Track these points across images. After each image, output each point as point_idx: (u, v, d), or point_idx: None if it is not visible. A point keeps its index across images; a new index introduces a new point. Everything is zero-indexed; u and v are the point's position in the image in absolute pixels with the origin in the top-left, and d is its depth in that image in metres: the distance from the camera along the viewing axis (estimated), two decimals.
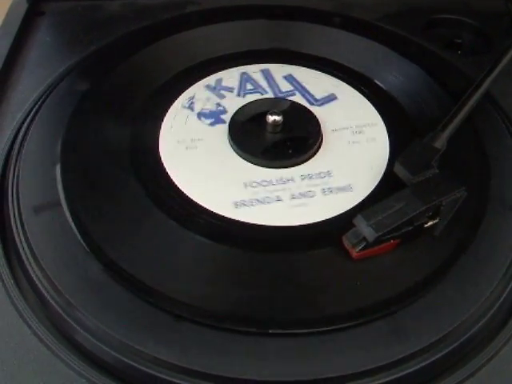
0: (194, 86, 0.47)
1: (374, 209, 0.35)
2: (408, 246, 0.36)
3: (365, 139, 0.43)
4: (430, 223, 0.36)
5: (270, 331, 0.32)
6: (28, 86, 0.47)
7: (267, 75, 0.48)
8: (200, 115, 0.45)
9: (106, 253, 0.35)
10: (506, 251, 0.36)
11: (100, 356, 0.32)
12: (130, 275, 0.34)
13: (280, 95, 0.46)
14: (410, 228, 0.35)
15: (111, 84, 0.47)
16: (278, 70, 0.48)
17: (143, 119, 0.44)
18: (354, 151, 0.42)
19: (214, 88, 0.47)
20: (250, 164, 0.41)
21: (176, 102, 0.46)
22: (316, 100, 0.45)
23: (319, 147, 0.42)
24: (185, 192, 0.39)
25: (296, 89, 0.46)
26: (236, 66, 0.48)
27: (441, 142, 0.39)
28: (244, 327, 0.32)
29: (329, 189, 0.39)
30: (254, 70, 0.48)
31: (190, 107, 0.45)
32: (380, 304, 0.34)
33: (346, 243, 0.35)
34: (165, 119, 0.44)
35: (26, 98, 0.46)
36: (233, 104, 0.45)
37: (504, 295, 0.35)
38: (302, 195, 0.39)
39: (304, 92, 0.46)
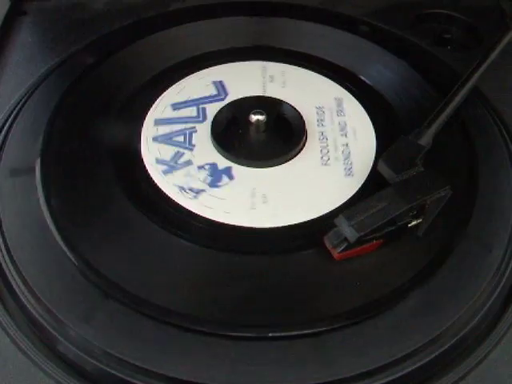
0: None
1: (356, 208, 0.34)
2: (392, 246, 0.35)
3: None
4: (413, 223, 0.35)
5: (270, 334, 0.32)
6: (9, 88, 0.46)
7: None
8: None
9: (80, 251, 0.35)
10: (495, 251, 0.35)
11: (80, 364, 0.32)
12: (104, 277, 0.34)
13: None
14: (393, 228, 0.34)
15: (93, 84, 0.46)
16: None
17: (125, 118, 0.43)
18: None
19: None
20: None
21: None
22: None
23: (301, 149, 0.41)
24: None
25: None
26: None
27: (426, 139, 0.38)
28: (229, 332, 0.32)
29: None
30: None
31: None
32: (364, 307, 0.33)
33: (328, 243, 0.34)
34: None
35: (6, 100, 0.45)
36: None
37: (493, 297, 0.34)
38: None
39: None
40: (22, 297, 0.34)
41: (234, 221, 0.37)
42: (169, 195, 0.38)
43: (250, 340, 0.32)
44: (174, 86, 0.45)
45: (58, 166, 0.40)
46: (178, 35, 0.50)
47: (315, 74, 0.47)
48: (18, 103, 0.45)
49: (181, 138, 0.42)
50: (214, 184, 0.39)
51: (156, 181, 0.39)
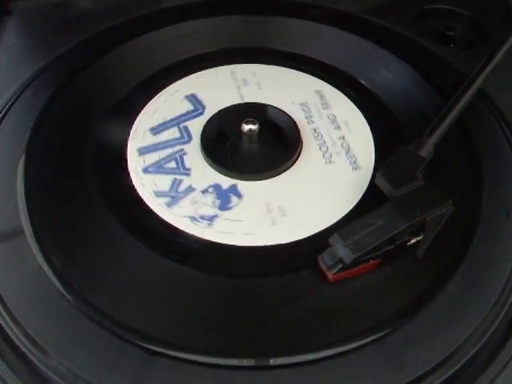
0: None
1: (352, 227, 0.32)
2: (390, 266, 0.33)
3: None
4: (413, 241, 0.33)
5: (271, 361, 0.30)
6: None
7: None
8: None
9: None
10: (501, 268, 0.34)
11: None
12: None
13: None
14: (392, 247, 0.32)
15: (80, 87, 0.44)
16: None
17: (106, 152, 0.40)
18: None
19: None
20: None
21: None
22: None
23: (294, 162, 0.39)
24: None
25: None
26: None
27: (427, 150, 0.36)
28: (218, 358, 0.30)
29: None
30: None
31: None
32: (365, 331, 0.31)
33: (322, 264, 0.33)
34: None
35: None
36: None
37: (498, 320, 0.32)
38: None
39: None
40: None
41: (259, 241, 0.35)
42: (182, 229, 0.36)
43: None
44: (145, 108, 0.42)
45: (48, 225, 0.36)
46: (133, 49, 0.46)
47: (288, 69, 0.45)
48: (1, 110, 0.43)
49: (173, 164, 0.39)
50: (224, 207, 0.37)
51: (162, 216, 0.36)
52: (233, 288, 0.33)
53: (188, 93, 0.43)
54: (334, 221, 0.36)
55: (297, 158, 0.39)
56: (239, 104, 0.42)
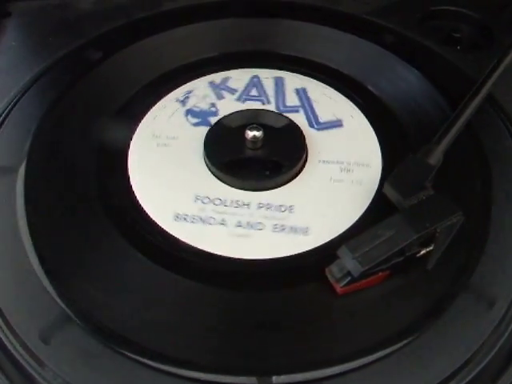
0: (198, 79, 0.43)
1: (361, 238, 0.32)
2: (399, 278, 0.32)
3: (350, 180, 0.38)
4: (422, 252, 0.32)
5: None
6: None
7: (279, 84, 0.43)
8: (188, 112, 0.41)
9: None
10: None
11: None
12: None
13: (282, 109, 0.41)
14: (401, 259, 0.32)
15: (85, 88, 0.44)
16: (293, 81, 0.43)
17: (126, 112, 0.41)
18: (332, 191, 0.37)
19: (217, 86, 0.43)
20: (212, 177, 0.38)
21: (172, 93, 0.42)
22: (318, 123, 0.41)
23: (294, 176, 0.38)
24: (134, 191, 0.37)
25: (302, 106, 0.41)
26: (249, 67, 0.44)
27: (436, 157, 0.35)
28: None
29: (281, 226, 0.35)
30: (267, 76, 0.43)
31: (183, 102, 0.42)
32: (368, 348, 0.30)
33: (330, 277, 0.32)
34: (152, 109, 0.41)
35: None
36: (228, 107, 0.41)
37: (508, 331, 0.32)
38: (250, 225, 0.35)
39: (309, 111, 0.41)
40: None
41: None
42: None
43: None
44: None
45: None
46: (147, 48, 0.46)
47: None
48: (1, 115, 0.42)
49: None
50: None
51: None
52: (234, 301, 0.32)
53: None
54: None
55: (300, 170, 0.38)
56: (236, 112, 0.41)
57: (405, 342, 0.30)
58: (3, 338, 0.31)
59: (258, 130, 0.38)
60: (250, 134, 0.38)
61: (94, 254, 0.34)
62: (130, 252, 0.34)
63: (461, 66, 0.45)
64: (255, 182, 0.37)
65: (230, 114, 0.40)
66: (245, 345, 0.31)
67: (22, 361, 0.30)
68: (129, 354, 0.30)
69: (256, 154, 0.38)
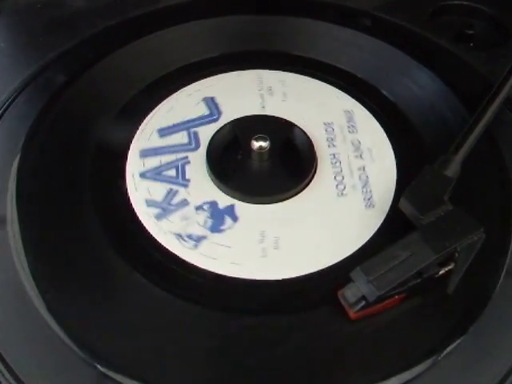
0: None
1: (376, 260, 0.29)
2: (416, 301, 0.30)
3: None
4: (441, 272, 0.30)
5: None
6: None
7: None
8: None
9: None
10: None
11: None
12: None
13: None
14: (419, 281, 0.30)
15: (64, 113, 0.40)
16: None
17: (107, 149, 0.38)
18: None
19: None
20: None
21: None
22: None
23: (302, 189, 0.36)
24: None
25: None
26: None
27: (454, 169, 0.33)
28: None
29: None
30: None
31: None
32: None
33: (343, 301, 0.30)
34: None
35: None
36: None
37: None
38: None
39: None
40: None
41: (245, 274, 0.32)
42: (165, 245, 0.33)
43: None
44: (159, 106, 0.39)
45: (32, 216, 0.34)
46: (157, 42, 0.43)
47: (319, 82, 0.41)
48: None
49: (172, 172, 0.36)
50: (215, 228, 0.34)
51: (149, 229, 0.34)
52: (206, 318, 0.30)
53: (207, 95, 0.40)
54: (331, 263, 0.32)
55: (306, 186, 0.36)
56: (254, 115, 0.38)
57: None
58: None
59: (264, 140, 0.35)
60: (256, 144, 0.35)
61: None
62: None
63: (474, 64, 0.42)
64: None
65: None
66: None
67: None
68: None
69: (262, 167, 0.36)
